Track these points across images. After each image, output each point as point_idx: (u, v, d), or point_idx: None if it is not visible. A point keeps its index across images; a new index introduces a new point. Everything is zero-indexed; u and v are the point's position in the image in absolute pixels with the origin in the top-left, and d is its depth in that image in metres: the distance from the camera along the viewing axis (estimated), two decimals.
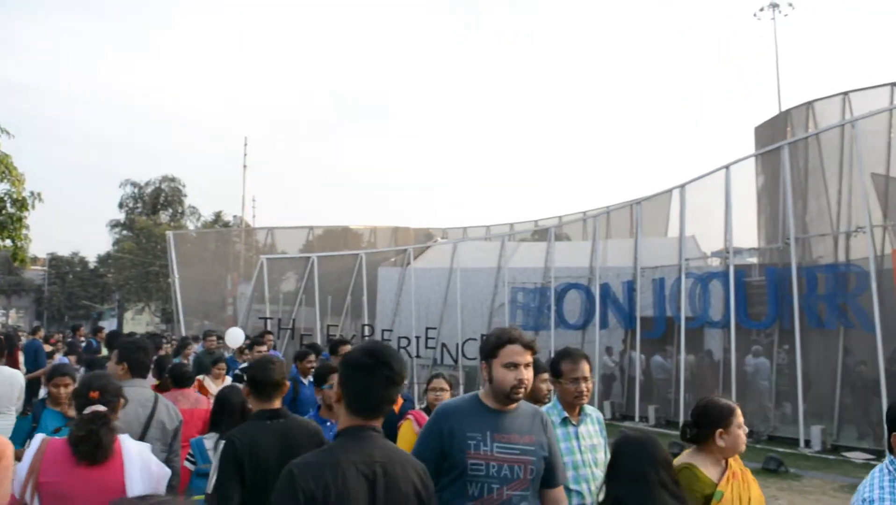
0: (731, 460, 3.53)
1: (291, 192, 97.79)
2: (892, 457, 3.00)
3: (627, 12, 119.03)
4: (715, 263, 17.18)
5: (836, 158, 15.16)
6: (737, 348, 14.75)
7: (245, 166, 40.88)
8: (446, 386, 5.55)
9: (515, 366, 3.16)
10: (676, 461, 3.45)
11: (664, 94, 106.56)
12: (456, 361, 18.62)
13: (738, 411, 3.54)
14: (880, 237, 13.97)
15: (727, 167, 15.24)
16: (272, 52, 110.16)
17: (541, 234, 23.29)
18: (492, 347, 3.24)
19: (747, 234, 17.36)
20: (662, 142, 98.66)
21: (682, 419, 15.15)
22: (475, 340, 18.52)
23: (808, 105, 17.22)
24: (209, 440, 4.56)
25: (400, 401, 6.06)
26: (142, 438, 4.00)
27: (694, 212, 16.16)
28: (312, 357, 7.92)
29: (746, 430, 3.56)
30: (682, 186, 16.19)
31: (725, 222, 15.38)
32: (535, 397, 4.40)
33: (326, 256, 22.75)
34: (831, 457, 12.47)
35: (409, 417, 5.19)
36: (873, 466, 11.03)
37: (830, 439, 13.30)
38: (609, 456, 3.44)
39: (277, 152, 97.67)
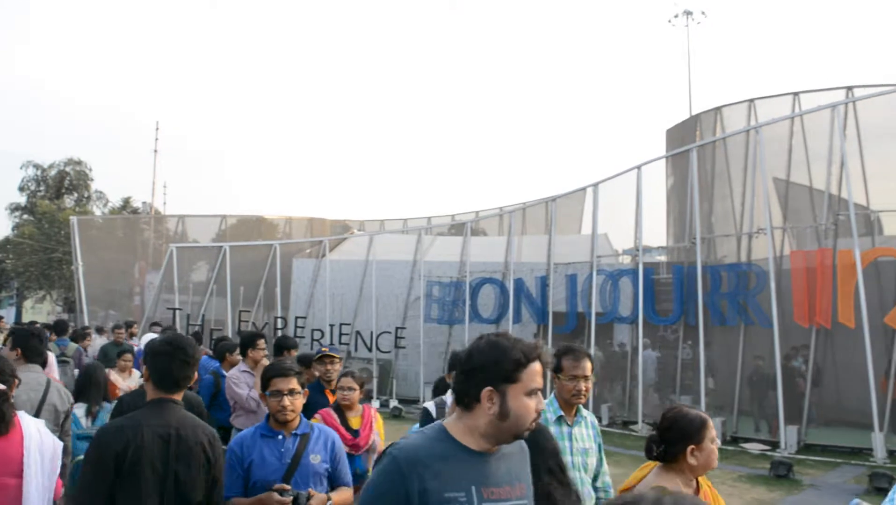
0: (701, 479, 3.20)
1: (205, 180, 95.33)
2: None
3: (543, 14, 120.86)
4: (625, 260, 17.66)
5: (741, 162, 15.79)
6: (644, 343, 15.22)
7: (156, 151, 39.72)
8: (355, 385, 5.22)
9: (537, 392, 2.28)
10: (644, 483, 3.17)
11: (582, 94, 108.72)
12: (370, 350, 18.59)
13: (710, 423, 3.17)
14: (780, 239, 14.65)
15: (639, 167, 15.67)
16: (188, 32, 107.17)
17: (457, 228, 23.44)
18: (513, 366, 2.24)
19: (657, 233, 17.94)
20: (579, 140, 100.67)
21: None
22: (389, 333, 18.52)
23: (717, 110, 17.86)
24: (79, 409, 5.43)
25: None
26: None
27: (606, 210, 16.56)
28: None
29: (718, 443, 3.22)
30: (596, 185, 16.55)
31: (636, 221, 15.83)
32: None
33: (239, 245, 22.33)
34: (730, 448, 13.00)
35: (318, 415, 5.07)
36: (769, 456, 11.52)
37: (730, 431, 13.88)
38: (600, 461, 3.69)
39: (191, 138, 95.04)
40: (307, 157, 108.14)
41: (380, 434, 5.43)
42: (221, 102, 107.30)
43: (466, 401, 2.27)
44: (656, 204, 16.92)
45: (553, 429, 3.75)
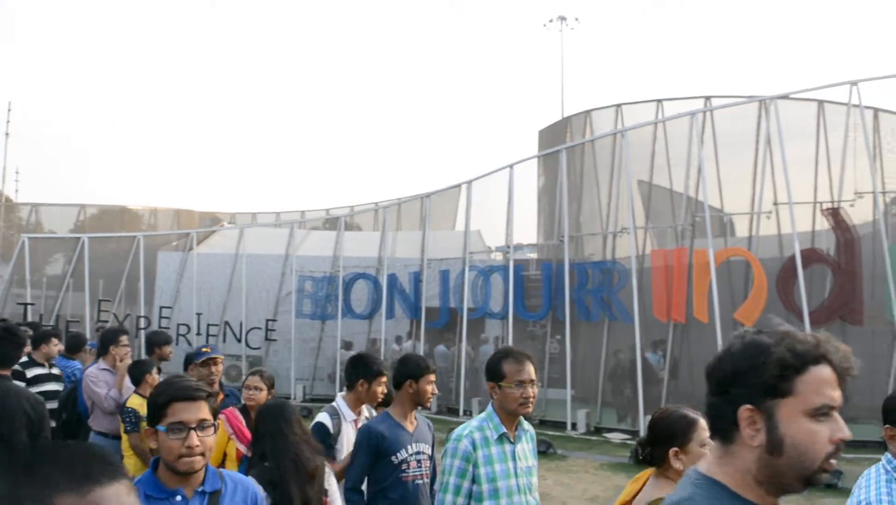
0: None
1: (62, 167, 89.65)
2: (888, 456, 2.75)
3: (419, 12, 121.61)
4: (497, 256, 18.04)
5: (608, 165, 16.44)
6: (514, 338, 15.58)
7: (8, 134, 37.00)
8: (262, 385, 4.97)
9: (828, 412, 1.46)
10: (640, 496, 2.85)
11: (458, 93, 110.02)
12: (239, 341, 18.12)
13: (701, 425, 2.78)
14: (642, 238, 15.36)
15: (511, 166, 16.00)
16: (45, 7, 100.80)
17: (332, 222, 23.24)
18: (778, 370, 1.47)
19: (527, 230, 18.43)
20: (455, 138, 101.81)
21: (462, 406, 15.79)
22: (259, 329, 18.12)
23: (587, 113, 18.51)
24: None
25: (221, 396, 5.56)
26: None
27: (479, 207, 16.86)
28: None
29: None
30: (470, 183, 16.80)
31: (508, 219, 16.17)
32: (421, 402, 4.08)
33: (99, 237, 21.22)
34: (594, 438, 13.53)
35: (222, 416, 4.70)
36: (630, 445, 11.96)
37: (594, 422, 14.44)
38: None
39: (48, 121, 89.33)
40: (176, 146, 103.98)
41: None
42: (82, 84, 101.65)
43: (723, 427, 1.55)
44: (527, 202, 17.44)
45: (494, 449, 3.38)
